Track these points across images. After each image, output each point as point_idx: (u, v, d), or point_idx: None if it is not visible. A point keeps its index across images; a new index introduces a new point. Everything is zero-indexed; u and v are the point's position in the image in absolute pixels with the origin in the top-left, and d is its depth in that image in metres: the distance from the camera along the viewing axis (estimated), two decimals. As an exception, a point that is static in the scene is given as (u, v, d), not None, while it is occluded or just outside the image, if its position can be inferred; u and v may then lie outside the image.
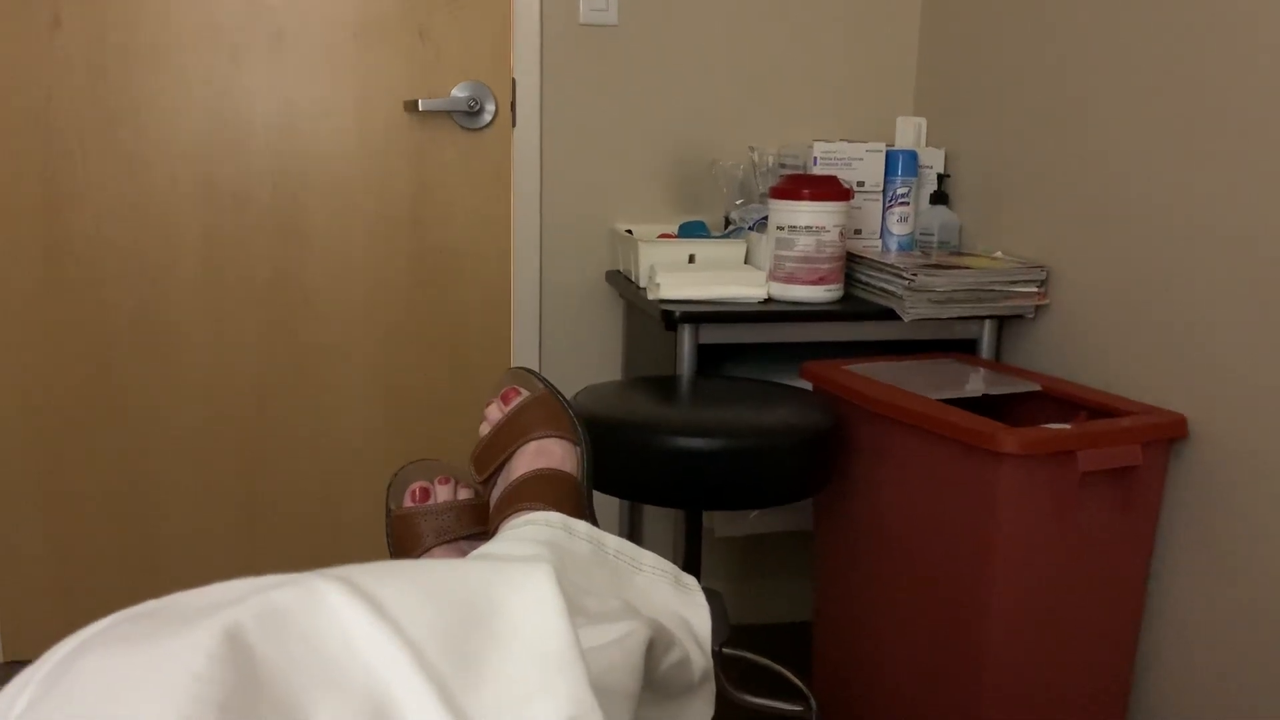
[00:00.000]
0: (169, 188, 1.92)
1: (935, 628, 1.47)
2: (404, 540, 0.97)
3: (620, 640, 0.62)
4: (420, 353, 2.06)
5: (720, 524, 1.97)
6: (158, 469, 2.00)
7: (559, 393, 0.97)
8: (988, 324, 1.77)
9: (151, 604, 0.46)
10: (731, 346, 1.92)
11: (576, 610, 0.65)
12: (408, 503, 0.98)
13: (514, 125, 1.99)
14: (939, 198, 1.93)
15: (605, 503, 2.10)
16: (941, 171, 1.97)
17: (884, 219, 1.92)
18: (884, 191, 1.92)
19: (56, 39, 1.83)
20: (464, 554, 0.94)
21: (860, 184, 1.90)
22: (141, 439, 1.99)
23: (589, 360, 2.10)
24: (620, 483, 1.36)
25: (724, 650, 1.85)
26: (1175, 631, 1.46)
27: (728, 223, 2.00)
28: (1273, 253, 1.30)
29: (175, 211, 1.92)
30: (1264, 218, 1.31)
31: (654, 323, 1.80)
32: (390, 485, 1.01)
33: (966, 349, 1.81)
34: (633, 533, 2.13)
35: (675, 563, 0.84)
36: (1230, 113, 1.36)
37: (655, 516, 2.17)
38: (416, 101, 1.92)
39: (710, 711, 0.78)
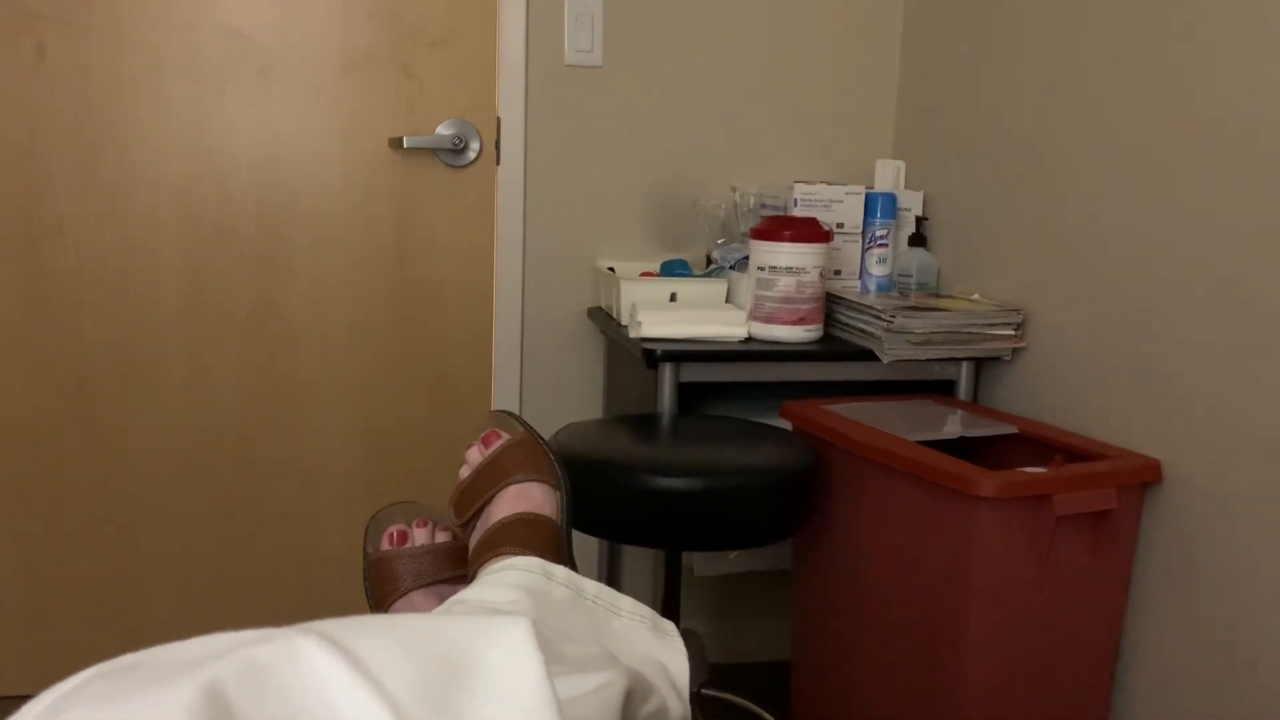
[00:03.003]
0: (152, 220, 1.92)
1: (912, 668, 1.47)
2: (381, 583, 0.96)
3: (598, 690, 0.63)
4: (402, 388, 2.06)
5: (699, 563, 1.97)
6: (136, 502, 1.98)
7: (539, 436, 0.98)
8: (965, 365, 1.79)
9: (129, 658, 0.46)
10: (712, 385, 1.92)
11: (555, 658, 0.65)
12: (385, 545, 0.98)
13: (498, 163, 2.01)
14: (917, 240, 1.95)
15: (585, 542, 2.09)
16: (920, 214, 1.99)
17: (863, 260, 1.95)
18: (863, 233, 1.94)
19: (41, 71, 1.84)
20: (442, 598, 0.94)
21: (840, 225, 1.92)
22: (120, 471, 1.97)
23: (570, 397, 2.11)
24: (599, 522, 1.36)
25: (702, 690, 1.84)
26: (1150, 673, 1.47)
27: (709, 261, 2.01)
28: (1246, 299, 1.32)
29: (157, 244, 1.92)
30: (1238, 264, 1.33)
31: (635, 360, 1.80)
32: (368, 528, 1.01)
33: (944, 390, 1.83)
34: (612, 571, 2.12)
35: (654, 601, 0.85)
36: (1204, 160, 1.39)
37: (634, 555, 2.16)
38: (401, 139, 1.93)
39: (687, 759, 0.78)
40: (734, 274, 1.86)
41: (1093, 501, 1.37)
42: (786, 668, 1.83)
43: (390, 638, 0.48)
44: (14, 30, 1.82)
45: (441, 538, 1.00)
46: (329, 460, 2.05)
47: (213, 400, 1.98)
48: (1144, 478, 1.43)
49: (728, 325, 1.72)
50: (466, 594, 0.79)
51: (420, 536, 0.99)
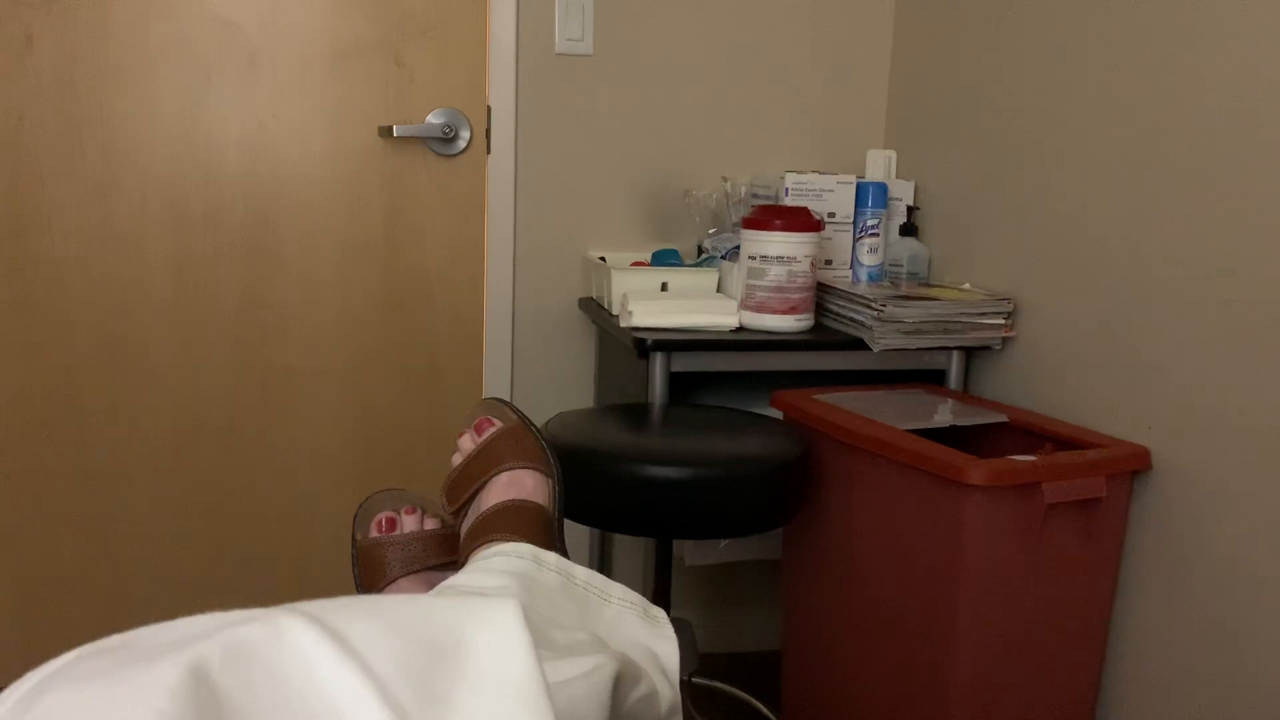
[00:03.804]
0: (139, 209, 1.90)
1: (903, 657, 1.48)
2: (370, 570, 0.96)
3: (587, 675, 0.62)
4: (392, 378, 2.05)
5: (690, 552, 1.97)
6: (124, 492, 1.98)
7: (532, 424, 0.97)
8: (955, 355, 1.79)
9: (115, 639, 0.46)
10: (703, 374, 1.92)
11: (544, 643, 0.65)
12: (374, 533, 0.98)
13: (488, 152, 2.00)
14: (908, 229, 1.95)
15: (576, 530, 2.09)
16: (911, 204, 1.99)
17: (854, 250, 1.95)
18: (854, 223, 1.94)
19: (28, 59, 1.83)
20: (431, 585, 0.94)
21: (831, 215, 1.92)
22: (109, 462, 1.96)
23: (561, 386, 2.11)
24: (590, 511, 1.36)
25: (693, 679, 1.84)
26: (1139, 661, 1.48)
27: (700, 251, 2.01)
28: (1236, 288, 1.32)
29: (145, 233, 1.91)
30: (1227, 253, 1.34)
31: (626, 350, 1.80)
32: (356, 515, 1.01)
33: (935, 379, 1.83)
34: (603, 560, 2.12)
35: (645, 591, 0.85)
36: (1193, 151, 1.39)
37: (625, 544, 2.17)
38: (391, 128, 1.93)
39: (677, 744, 0.78)
40: (725, 263, 1.86)
41: (1082, 490, 1.37)
42: (777, 657, 1.83)
43: (377, 618, 0.48)
44: (2, 18, 1.81)
45: (430, 525, 1.00)
46: (319, 449, 2.04)
47: (201, 390, 1.98)
48: (1133, 466, 1.44)
49: (719, 315, 1.72)
50: (456, 580, 0.79)
51: (409, 523, 0.99)
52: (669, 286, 1.82)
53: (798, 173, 1.91)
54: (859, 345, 1.71)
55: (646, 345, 1.65)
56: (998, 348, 1.76)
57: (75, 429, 1.94)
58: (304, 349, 2.01)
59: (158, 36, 1.87)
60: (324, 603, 0.49)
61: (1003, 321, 1.73)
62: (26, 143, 1.85)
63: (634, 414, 1.58)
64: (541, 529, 0.90)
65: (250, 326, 1.98)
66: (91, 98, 1.86)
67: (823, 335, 1.75)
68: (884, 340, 1.68)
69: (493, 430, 0.97)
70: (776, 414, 1.70)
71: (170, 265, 1.93)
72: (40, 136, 1.85)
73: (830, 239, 1.93)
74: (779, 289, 1.71)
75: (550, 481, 0.95)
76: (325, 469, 2.06)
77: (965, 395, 1.77)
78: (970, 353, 1.81)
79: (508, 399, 2.08)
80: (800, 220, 1.70)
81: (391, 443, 2.08)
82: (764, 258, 1.71)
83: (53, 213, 1.87)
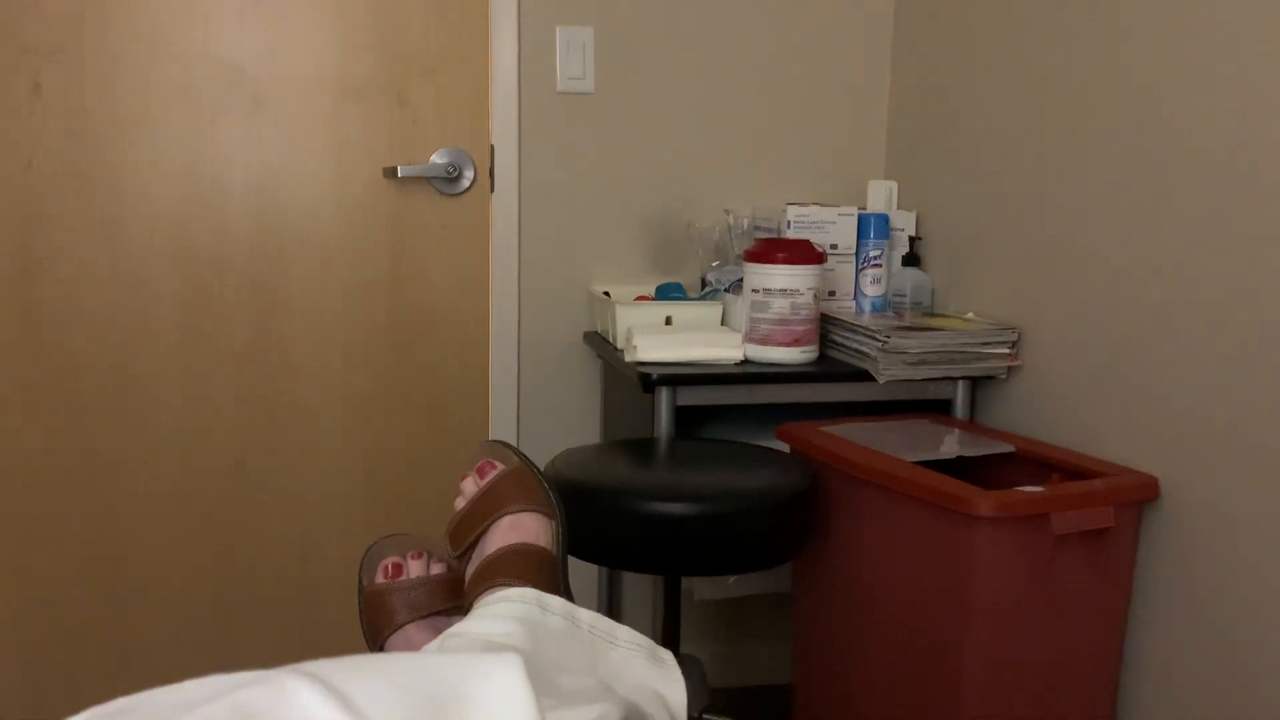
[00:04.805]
0: (146, 252, 1.92)
1: (913, 689, 1.47)
2: (376, 617, 0.96)
3: (593, 724, 0.62)
4: (398, 415, 2.06)
5: (700, 587, 1.97)
6: (133, 534, 1.98)
7: (534, 466, 0.98)
8: (961, 384, 1.79)
9: (123, 702, 0.46)
10: (709, 408, 1.93)
11: (550, 689, 0.65)
12: (380, 579, 0.98)
13: (492, 191, 2.02)
14: (910, 260, 1.96)
15: (584, 568, 2.09)
16: (913, 234, 2.00)
17: (857, 281, 1.95)
18: (857, 254, 1.95)
19: (36, 106, 1.85)
20: (438, 630, 0.94)
21: (833, 247, 1.93)
22: (117, 504, 1.97)
23: (568, 421, 2.11)
24: (599, 549, 1.36)
25: (704, 716, 1.83)
26: (1151, 690, 1.46)
27: (704, 284, 2.02)
28: (1241, 315, 1.32)
29: (152, 276, 1.93)
30: (1232, 279, 1.34)
31: (632, 384, 1.80)
32: (362, 561, 1.01)
33: (941, 409, 1.83)
34: (612, 596, 2.12)
35: (654, 626, 0.85)
36: (1198, 177, 1.39)
37: (634, 580, 2.16)
38: (396, 168, 1.94)
39: (685, 788, 0.78)
40: (729, 296, 1.86)
41: (1090, 520, 1.37)
42: (788, 691, 1.82)
43: (381, 678, 0.48)
44: (11, 67, 1.84)
45: (437, 569, 1.00)
46: (325, 488, 2.05)
47: (209, 429, 1.98)
48: (1141, 495, 1.43)
49: (723, 348, 1.73)
50: (461, 627, 0.79)
51: (415, 569, 0.99)
52: (673, 320, 1.83)
53: (799, 205, 1.92)
54: (864, 376, 1.71)
55: (652, 380, 1.65)
56: (1003, 377, 1.76)
57: (84, 470, 1.95)
58: (311, 388, 2.02)
59: (163, 81, 1.89)
60: (328, 662, 0.49)
61: (1007, 351, 1.73)
62: (35, 187, 1.87)
63: (640, 449, 1.58)
64: (545, 572, 0.90)
65: (257, 365, 1.99)
66: (99, 143, 1.88)
67: (828, 367, 1.75)
68: (889, 371, 1.68)
69: (495, 473, 0.97)
70: (783, 446, 1.70)
71: (177, 306, 1.95)
72: (49, 181, 1.87)
73: (833, 270, 1.94)
74: (783, 321, 1.72)
75: (553, 523, 0.95)
76: (332, 506, 2.06)
77: (972, 425, 1.77)
78: (976, 382, 1.81)
79: (514, 435, 2.09)
80: (802, 252, 1.71)
81: (398, 479, 2.08)
82: (767, 290, 1.71)
83: (61, 256, 1.89)
